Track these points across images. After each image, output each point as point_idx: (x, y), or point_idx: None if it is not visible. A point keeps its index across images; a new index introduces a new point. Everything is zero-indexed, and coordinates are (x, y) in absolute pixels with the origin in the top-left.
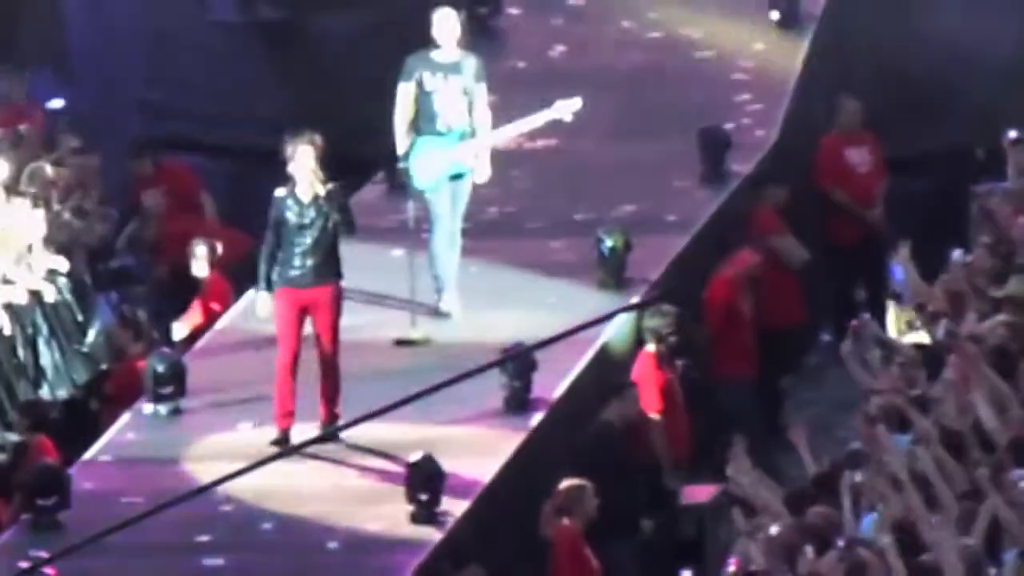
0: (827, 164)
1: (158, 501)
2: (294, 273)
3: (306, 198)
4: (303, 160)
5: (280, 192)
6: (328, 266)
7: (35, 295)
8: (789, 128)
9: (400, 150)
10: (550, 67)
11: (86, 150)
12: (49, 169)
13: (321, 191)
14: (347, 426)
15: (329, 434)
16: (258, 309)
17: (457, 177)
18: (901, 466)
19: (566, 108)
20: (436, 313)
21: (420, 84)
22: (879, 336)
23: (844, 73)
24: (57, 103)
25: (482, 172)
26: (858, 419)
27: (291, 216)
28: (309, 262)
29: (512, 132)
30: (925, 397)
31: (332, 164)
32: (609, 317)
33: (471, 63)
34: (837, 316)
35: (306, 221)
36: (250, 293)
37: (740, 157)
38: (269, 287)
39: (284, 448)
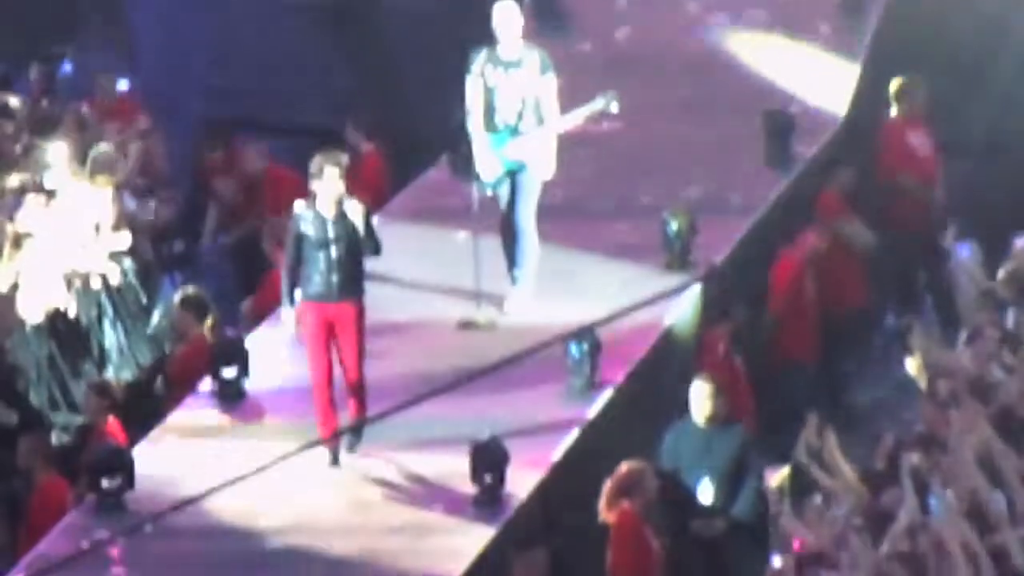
0: (891, 148)
1: (221, 483)
2: (318, 289)
3: (330, 215)
4: (330, 180)
5: (301, 207)
6: (353, 281)
7: (100, 277)
8: (854, 111)
9: (475, 147)
10: (615, 50)
11: (151, 132)
12: (113, 152)
13: (346, 209)
14: (402, 407)
15: (388, 414)
16: (285, 325)
17: (514, 173)
18: (979, 449)
19: (605, 101)
20: (500, 308)
21: (484, 78)
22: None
23: (909, 56)
24: (121, 84)
25: (547, 167)
26: (922, 401)
27: (313, 232)
28: (333, 278)
29: (557, 128)
30: (986, 382)
31: (395, 145)
32: (650, 302)
33: (534, 57)
34: (901, 299)
35: (330, 237)
36: None
37: (804, 140)
38: (292, 301)
39: (343, 429)
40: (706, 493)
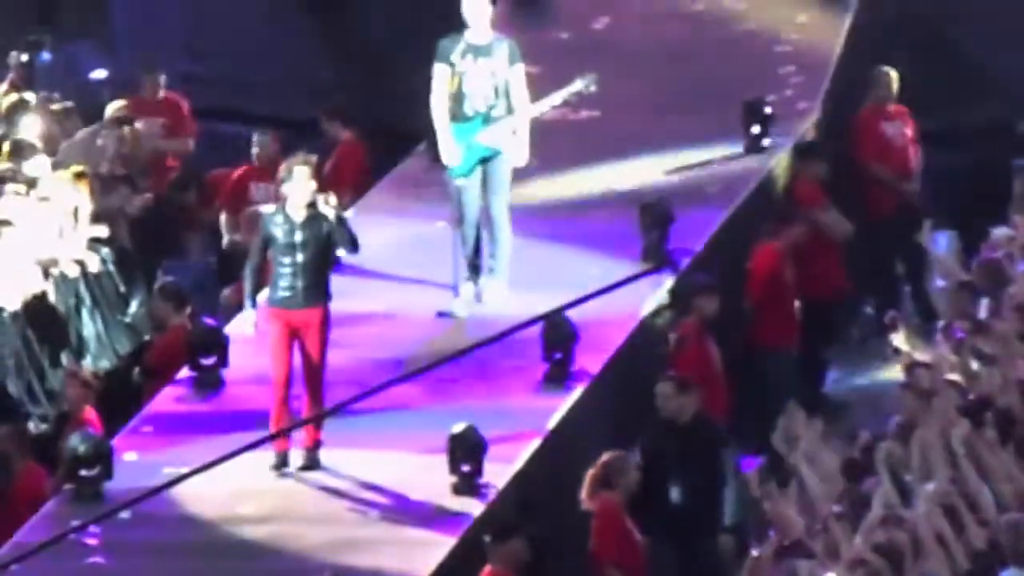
0: (864, 137)
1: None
2: (283, 294)
3: (298, 217)
4: (300, 181)
5: (269, 209)
6: (318, 288)
7: (79, 265)
8: (831, 101)
9: (439, 133)
10: (594, 38)
11: (131, 121)
12: (95, 140)
13: (320, 210)
14: (366, 395)
15: (358, 399)
16: (245, 326)
17: (486, 160)
18: (958, 439)
19: (584, 84)
20: (477, 299)
21: (452, 65)
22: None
23: (886, 46)
24: (100, 74)
25: (520, 155)
26: (901, 391)
27: (281, 235)
28: (299, 283)
29: (533, 112)
30: (963, 372)
31: (376, 134)
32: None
33: (503, 46)
34: (878, 288)
35: (296, 240)
36: None
37: (782, 129)
38: (254, 304)
39: (324, 412)
40: (681, 495)
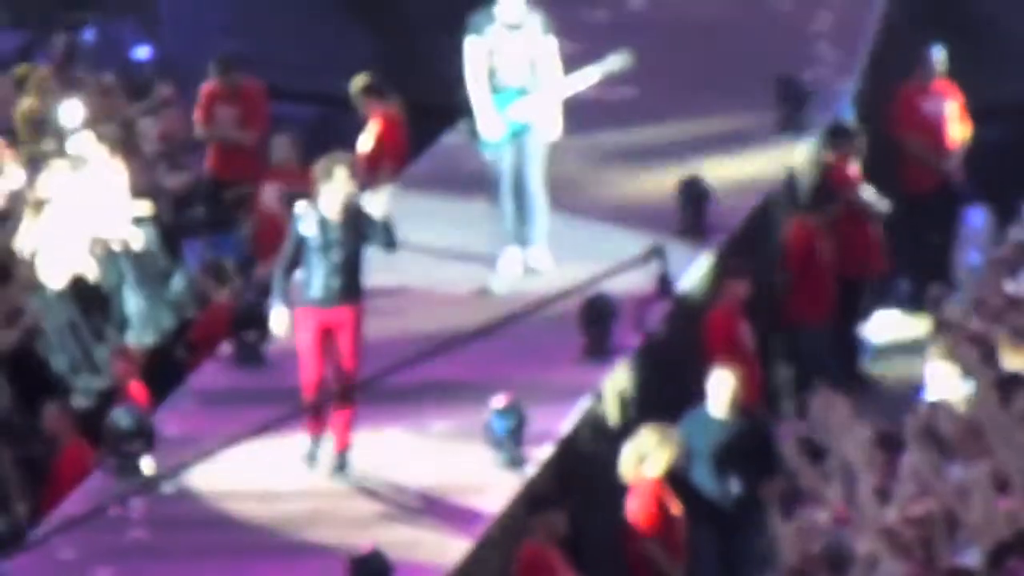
0: (902, 113)
1: (241, 445)
2: (318, 294)
3: (335, 217)
4: (339, 181)
5: (302, 208)
6: (353, 287)
7: (122, 243)
8: (867, 78)
9: (476, 106)
10: (629, 16)
11: (174, 99)
12: (137, 118)
13: (362, 210)
14: (384, 373)
15: (388, 373)
16: (273, 326)
17: (519, 134)
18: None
19: (619, 62)
20: (524, 270)
21: (485, 39)
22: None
23: (922, 23)
24: (143, 52)
25: (553, 128)
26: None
27: (315, 235)
28: (334, 283)
29: (569, 88)
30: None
31: (414, 112)
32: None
33: (534, 20)
34: (914, 264)
35: (332, 239)
36: None
37: (818, 107)
38: (286, 302)
39: (358, 383)
40: (734, 487)
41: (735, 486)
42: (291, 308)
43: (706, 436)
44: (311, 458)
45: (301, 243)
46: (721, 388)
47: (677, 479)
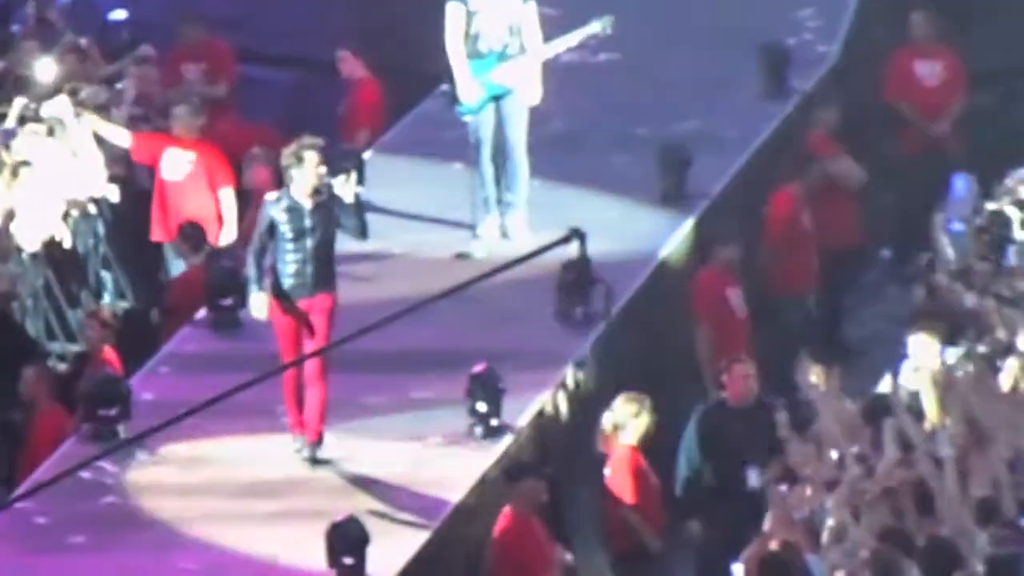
0: (894, 77)
1: (216, 412)
2: (291, 282)
3: (307, 204)
4: (310, 167)
5: (273, 196)
6: (327, 273)
7: (97, 206)
8: (850, 45)
9: (455, 70)
10: None
11: (154, 59)
12: (111, 79)
13: (333, 193)
14: (353, 337)
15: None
16: (252, 310)
17: (499, 98)
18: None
19: (600, 25)
20: (502, 235)
21: (465, 4)
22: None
23: None
24: (119, 14)
25: (533, 93)
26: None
27: (286, 221)
28: (308, 270)
29: (549, 52)
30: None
31: (394, 76)
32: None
33: None
34: (896, 232)
35: (306, 226)
36: None
37: (800, 73)
38: (260, 288)
39: (326, 348)
40: (752, 479)
41: (753, 478)
42: (267, 292)
43: (723, 428)
44: (299, 453)
45: (272, 228)
46: (740, 381)
47: (690, 480)
